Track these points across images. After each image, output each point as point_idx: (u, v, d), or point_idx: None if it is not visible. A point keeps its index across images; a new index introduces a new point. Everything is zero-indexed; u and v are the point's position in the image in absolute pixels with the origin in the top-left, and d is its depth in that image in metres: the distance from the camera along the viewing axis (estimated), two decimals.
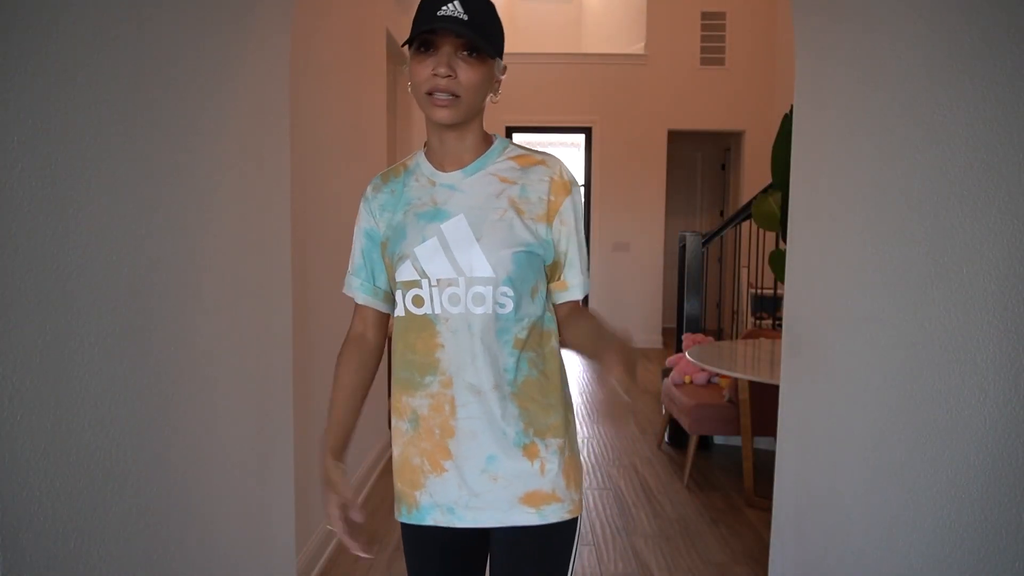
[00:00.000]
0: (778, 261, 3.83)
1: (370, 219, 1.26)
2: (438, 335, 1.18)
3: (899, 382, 1.48)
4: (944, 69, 1.36)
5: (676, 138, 7.64)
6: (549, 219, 1.20)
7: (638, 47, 7.35)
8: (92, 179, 1.15)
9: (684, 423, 3.62)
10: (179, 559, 1.45)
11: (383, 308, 1.30)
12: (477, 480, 1.18)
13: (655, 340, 7.53)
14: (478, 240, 1.16)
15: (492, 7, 1.15)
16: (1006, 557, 1.20)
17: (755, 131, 7.19)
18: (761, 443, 3.89)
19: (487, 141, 1.24)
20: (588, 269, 1.28)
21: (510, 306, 1.17)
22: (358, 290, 1.29)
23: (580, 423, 4.57)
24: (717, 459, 3.96)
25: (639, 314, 7.47)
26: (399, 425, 1.24)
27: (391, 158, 4.52)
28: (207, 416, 1.59)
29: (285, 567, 2.12)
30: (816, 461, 1.84)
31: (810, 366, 1.88)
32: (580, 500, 1.23)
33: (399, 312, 1.21)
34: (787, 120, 3.61)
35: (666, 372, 4.21)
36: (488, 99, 1.19)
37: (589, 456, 3.95)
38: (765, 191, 4.26)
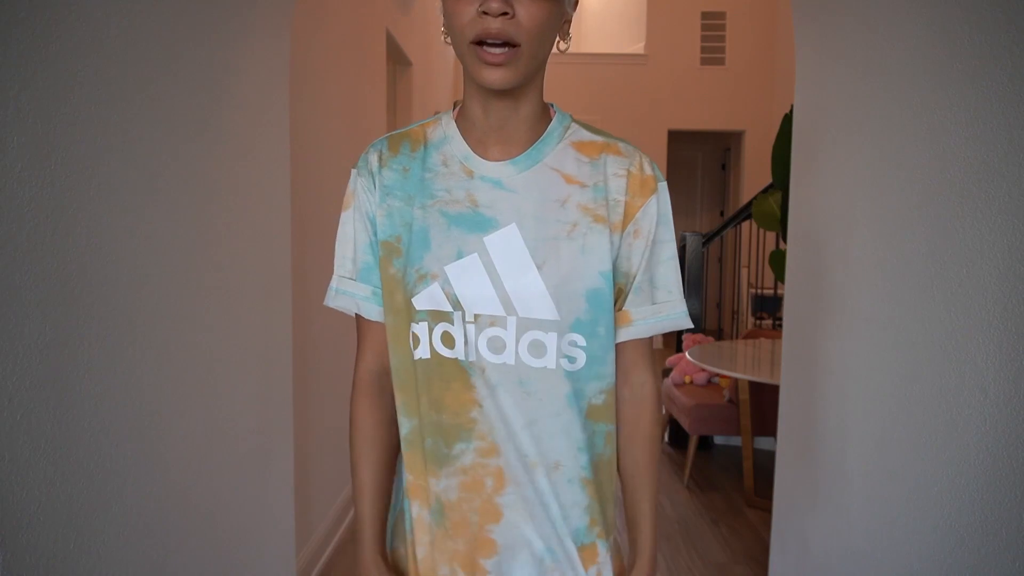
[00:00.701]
0: (778, 261, 3.83)
1: (370, 202, 0.91)
2: (473, 388, 0.86)
3: (899, 382, 1.48)
4: (944, 69, 1.36)
5: (676, 138, 7.64)
6: (623, 227, 0.88)
7: (638, 47, 7.35)
8: (92, 179, 1.15)
9: (684, 423, 3.62)
10: (179, 559, 1.45)
11: None
12: (528, 574, 0.89)
13: (655, 340, 7.52)
14: (539, 266, 0.84)
15: None
16: (1006, 557, 1.20)
17: (755, 131, 7.19)
18: (761, 443, 3.89)
19: (546, 114, 0.90)
20: (680, 298, 0.94)
21: (582, 360, 0.87)
22: (368, 302, 0.93)
23: None
24: (717, 459, 3.96)
25: None
26: (419, 515, 0.91)
27: None
28: (207, 416, 1.59)
29: (285, 567, 2.12)
30: (816, 461, 1.84)
31: (810, 366, 1.88)
32: None
33: (421, 353, 0.87)
34: (787, 120, 3.61)
35: (666, 372, 4.21)
36: (555, 46, 0.87)
37: None
38: (765, 191, 4.26)
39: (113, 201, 1.21)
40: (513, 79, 0.80)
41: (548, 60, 0.86)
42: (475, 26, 0.77)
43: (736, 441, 4.03)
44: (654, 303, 0.92)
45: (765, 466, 3.53)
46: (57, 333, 1.07)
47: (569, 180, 0.88)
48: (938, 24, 1.37)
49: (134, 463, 1.28)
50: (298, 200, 2.30)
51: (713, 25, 7.22)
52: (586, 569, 0.90)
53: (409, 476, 0.91)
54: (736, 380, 3.37)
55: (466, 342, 0.85)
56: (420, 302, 0.85)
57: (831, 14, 1.77)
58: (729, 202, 8.05)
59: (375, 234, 0.91)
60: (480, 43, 0.78)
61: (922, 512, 1.40)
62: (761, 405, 3.33)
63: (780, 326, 4.94)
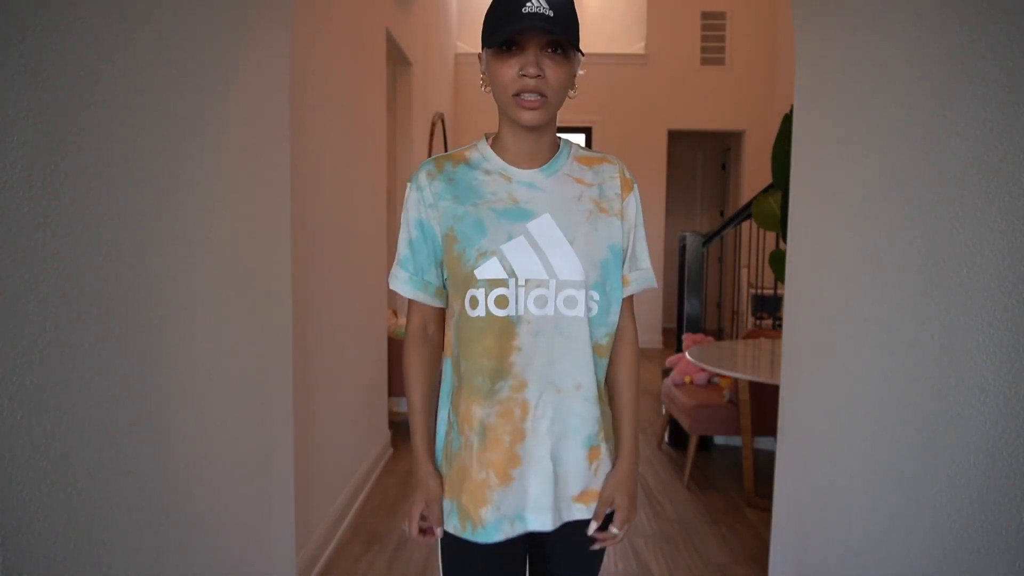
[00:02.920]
0: (778, 261, 3.83)
1: (422, 209, 1.18)
2: (516, 337, 1.13)
3: (899, 382, 1.48)
4: (944, 70, 1.36)
5: (676, 138, 7.63)
6: (620, 214, 1.21)
7: (638, 47, 7.35)
8: (92, 179, 1.15)
9: (684, 423, 3.62)
10: (179, 559, 1.45)
11: (433, 303, 1.23)
12: (541, 482, 1.16)
13: (655, 340, 7.53)
14: (571, 242, 1.14)
15: (572, 0, 1.11)
16: (1006, 557, 1.20)
17: (755, 131, 7.19)
18: (761, 443, 3.89)
19: (556, 143, 1.22)
20: (650, 264, 1.27)
21: (596, 310, 1.17)
22: (406, 284, 1.21)
23: None
24: (717, 459, 3.96)
25: (639, 314, 7.42)
26: (469, 437, 1.17)
27: (391, 158, 4.52)
28: (207, 416, 1.59)
29: (285, 567, 2.12)
30: (816, 461, 1.84)
31: (810, 366, 1.88)
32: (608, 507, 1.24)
33: (478, 312, 1.13)
34: (787, 120, 3.61)
35: (666, 372, 4.21)
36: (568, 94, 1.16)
37: None
38: (765, 191, 4.26)
39: (113, 201, 1.21)
40: (543, 118, 1.11)
41: None
42: (516, 84, 1.08)
43: (736, 441, 4.03)
44: (639, 269, 1.25)
45: (765, 466, 3.53)
46: (57, 333, 1.07)
47: (580, 182, 1.20)
48: (937, 24, 1.37)
49: (134, 463, 1.28)
50: (298, 200, 2.30)
51: (713, 25, 7.21)
52: (590, 464, 1.19)
53: (461, 405, 1.18)
54: (736, 380, 3.37)
55: (517, 301, 1.13)
56: (482, 273, 1.13)
57: (831, 14, 1.77)
58: (729, 202, 8.05)
59: (422, 232, 1.19)
60: (518, 94, 1.09)
61: (922, 512, 1.40)
62: (761, 405, 3.33)
63: (780, 326, 4.94)
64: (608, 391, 1.27)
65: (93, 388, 1.17)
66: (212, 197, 1.60)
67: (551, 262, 1.13)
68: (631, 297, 1.27)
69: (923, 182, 1.41)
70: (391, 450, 3.87)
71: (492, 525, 1.15)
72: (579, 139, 7.59)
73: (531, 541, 1.24)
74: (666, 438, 4.19)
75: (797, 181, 1.96)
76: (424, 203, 1.18)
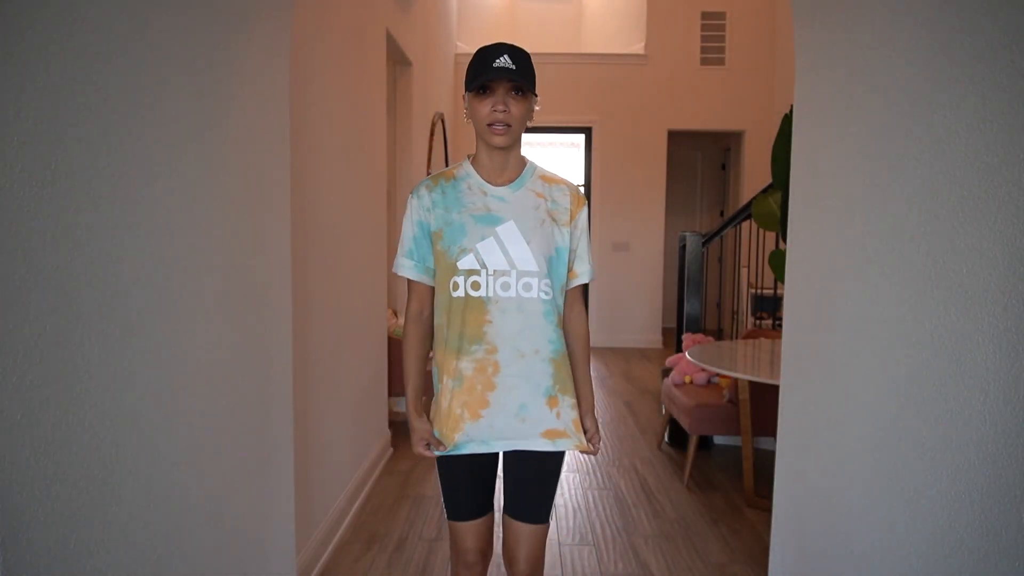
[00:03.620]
0: (778, 261, 3.83)
1: (422, 212, 1.61)
2: (487, 313, 1.55)
3: (899, 382, 1.48)
4: (944, 69, 1.36)
5: (676, 138, 7.63)
6: (569, 223, 1.64)
7: (638, 47, 7.35)
8: (92, 179, 1.15)
9: (684, 423, 3.62)
10: (179, 559, 1.45)
11: (431, 283, 1.64)
12: (508, 422, 1.57)
13: (655, 340, 7.53)
14: (528, 243, 1.56)
15: (529, 56, 1.55)
16: (1006, 557, 1.20)
17: (755, 131, 7.19)
18: (761, 443, 3.89)
19: (522, 161, 1.65)
20: (592, 259, 1.70)
21: (551, 294, 1.58)
22: (412, 269, 1.63)
23: None
24: (717, 459, 3.96)
25: (639, 314, 7.47)
26: (447, 383, 1.59)
27: (391, 157, 4.52)
28: (207, 415, 1.59)
29: (285, 567, 2.12)
30: (816, 461, 1.84)
31: (810, 366, 1.88)
32: (579, 437, 1.63)
33: (458, 294, 1.56)
34: (787, 120, 3.61)
35: (666, 372, 4.21)
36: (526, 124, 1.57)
37: (589, 456, 3.95)
38: (765, 191, 4.26)
39: (113, 201, 1.21)
40: (508, 141, 1.56)
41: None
42: (489, 117, 1.52)
43: (736, 441, 4.03)
44: (588, 264, 1.68)
45: (765, 466, 3.53)
46: (57, 333, 1.07)
47: (539, 196, 1.63)
48: (937, 24, 1.37)
49: (134, 463, 1.28)
50: (298, 200, 2.30)
51: (713, 25, 7.22)
52: (551, 410, 1.60)
53: (446, 359, 1.59)
54: (736, 380, 3.37)
55: (487, 286, 1.55)
56: (462, 264, 1.56)
57: (831, 14, 1.77)
58: (729, 202, 8.05)
59: (422, 230, 1.62)
60: (491, 124, 1.52)
61: (922, 512, 1.40)
62: (761, 405, 3.33)
63: (780, 326, 4.94)
64: (568, 356, 1.68)
65: (93, 388, 1.17)
66: (212, 197, 1.60)
67: (512, 257, 1.55)
68: (581, 287, 1.69)
69: (923, 182, 1.41)
70: (391, 450, 3.87)
71: (463, 444, 1.59)
72: (579, 139, 7.60)
73: (504, 459, 1.66)
74: (666, 438, 4.19)
75: (797, 181, 1.96)
76: (423, 208, 1.60)
